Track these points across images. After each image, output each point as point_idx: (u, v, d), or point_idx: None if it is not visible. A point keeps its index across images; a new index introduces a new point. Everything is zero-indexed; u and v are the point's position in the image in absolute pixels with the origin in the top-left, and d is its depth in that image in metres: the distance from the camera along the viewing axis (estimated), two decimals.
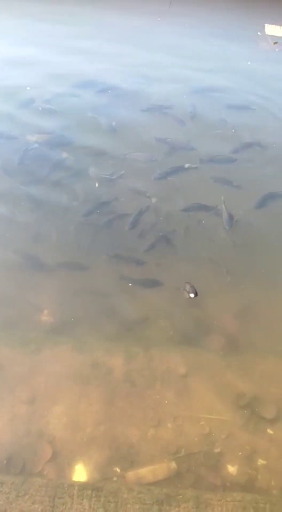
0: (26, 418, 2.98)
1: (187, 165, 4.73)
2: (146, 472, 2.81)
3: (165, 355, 3.42)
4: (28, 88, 5.84)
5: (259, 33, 6.66)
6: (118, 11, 7.55)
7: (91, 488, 2.53)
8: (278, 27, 6.31)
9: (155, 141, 5.14)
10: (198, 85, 5.98)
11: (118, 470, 2.82)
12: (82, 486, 2.54)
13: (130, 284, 3.82)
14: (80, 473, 2.78)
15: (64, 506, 2.44)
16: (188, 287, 3.64)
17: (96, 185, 4.54)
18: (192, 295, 3.59)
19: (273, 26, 6.33)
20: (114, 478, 2.76)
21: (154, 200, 4.44)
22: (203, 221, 4.35)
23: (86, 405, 3.09)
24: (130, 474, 2.79)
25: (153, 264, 3.98)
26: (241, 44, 6.73)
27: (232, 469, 2.88)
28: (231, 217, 4.28)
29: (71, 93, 5.80)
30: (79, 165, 4.79)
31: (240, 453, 2.95)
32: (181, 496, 2.56)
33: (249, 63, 6.33)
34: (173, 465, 2.86)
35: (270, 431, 3.05)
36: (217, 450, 2.96)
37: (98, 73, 6.21)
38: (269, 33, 6.38)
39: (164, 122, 5.48)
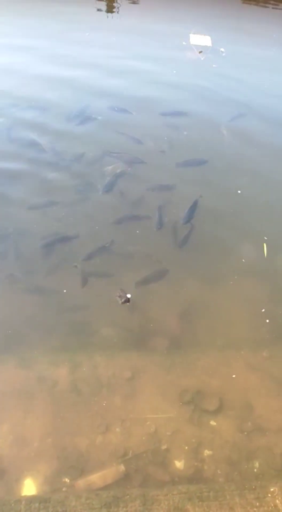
0: None
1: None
2: (95, 478, 2.86)
3: (110, 361, 3.49)
4: None
5: (184, 43, 6.94)
6: None
7: (38, 501, 2.54)
8: (202, 36, 6.62)
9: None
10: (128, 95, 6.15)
11: (67, 480, 2.85)
12: (29, 500, 2.55)
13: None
14: (29, 488, 2.78)
15: None
16: (120, 293, 3.75)
17: None
18: (123, 300, 3.69)
19: (197, 35, 6.63)
20: (64, 489, 2.79)
21: None
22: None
23: (33, 420, 3.10)
24: (80, 482, 2.83)
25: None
26: (169, 54, 6.99)
27: (179, 463, 2.99)
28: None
29: None
30: None
31: (186, 447, 3.07)
32: (128, 497, 2.63)
33: (174, 71, 6.60)
34: (121, 467, 2.93)
35: (213, 423, 3.19)
36: (163, 447, 3.06)
37: None
38: (193, 43, 6.68)
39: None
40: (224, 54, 6.35)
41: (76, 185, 4.81)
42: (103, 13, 8.26)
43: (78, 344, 3.62)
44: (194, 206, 4.57)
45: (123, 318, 3.82)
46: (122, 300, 3.70)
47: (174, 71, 6.55)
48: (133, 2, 8.69)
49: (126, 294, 3.75)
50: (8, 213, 4.47)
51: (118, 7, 8.29)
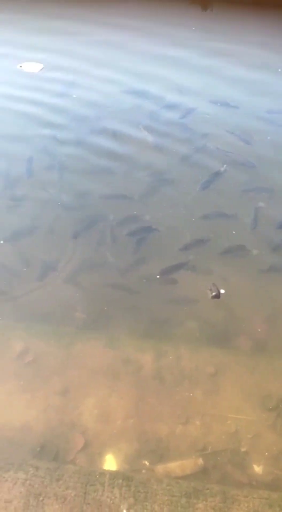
0: (59, 409, 3.10)
1: None
2: (174, 466, 2.89)
3: (194, 354, 3.49)
4: None
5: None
6: None
7: (121, 478, 2.62)
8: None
9: None
10: None
11: (147, 463, 2.91)
12: (113, 475, 2.64)
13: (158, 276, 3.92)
14: (110, 463, 2.88)
15: (95, 493, 2.54)
16: (211, 287, 3.72)
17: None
18: (214, 294, 3.66)
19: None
20: (143, 471, 2.85)
21: None
22: None
23: (117, 399, 3.20)
24: (159, 468, 2.87)
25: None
26: None
27: (257, 468, 2.93)
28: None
29: None
30: None
31: (266, 453, 2.99)
32: (208, 491, 2.62)
33: None
34: (200, 461, 2.93)
35: None
36: (243, 449, 3.01)
37: None
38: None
39: None
40: None
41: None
42: None
43: (163, 333, 3.66)
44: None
45: (209, 313, 3.80)
46: (213, 294, 3.67)
47: None
48: None
49: (218, 289, 3.72)
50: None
51: None
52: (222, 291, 3.79)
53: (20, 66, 6.19)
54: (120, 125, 5.62)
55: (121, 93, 6.17)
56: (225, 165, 4.87)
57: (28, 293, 3.80)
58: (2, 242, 4.15)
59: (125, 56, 7.05)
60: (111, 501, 2.52)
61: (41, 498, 2.49)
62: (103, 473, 2.66)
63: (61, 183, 4.80)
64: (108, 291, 3.88)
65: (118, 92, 6.21)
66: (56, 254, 4.12)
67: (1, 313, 3.62)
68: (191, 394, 3.22)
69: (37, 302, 3.75)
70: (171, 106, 5.97)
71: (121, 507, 2.51)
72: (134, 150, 5.26)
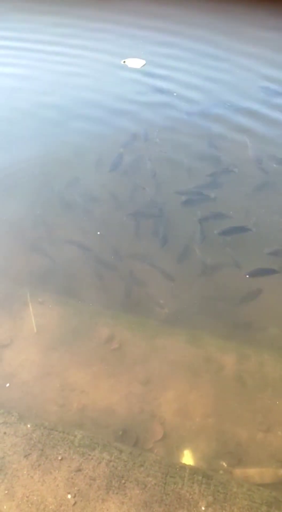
0: (140, 397, 3.17)
1: None
2: (253, 472, 2.84)
3: (278, 362, 3.39)
4: None
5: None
6: None
7: (201, 475, 2.62)
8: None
9: None
10: None
11: (225, 464, 2.88)
12: (193, 471, 2.64)
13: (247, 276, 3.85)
14: (187, 459, 2.89)
15: (175, 486, 2.56)
16: None
17: None
18: None
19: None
20: (221, 471, 2.82)
21: None
22: None
23: (196, 396, 3.20)
24: (238, 471, 2.83)
25: None
26: None
27: None
28: None
29: None
30: None
31: None
32: None
33: None
34: (281, 472, 2.84)
35: None
36: None
37: None
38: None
39: None
40: None
41: None
42: None
43: (245, 337, 3.59)
44: None
45: None
46: None
47: None
48: None
49: None
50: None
51: None
52: None
53: (124, 62, 6.37)
54: None
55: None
56: None
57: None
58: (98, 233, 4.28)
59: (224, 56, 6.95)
60: (191, 496, 2.53)
61: (123, 481, 2.56)
62: (183, 467, 2.68)
63: None
64: (194, 289, 3.89)
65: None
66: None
67: (91, 299, 3.76)
68: (277, 402, 3.13)
69: (124, 292, 3.85)
70: None
71: (200, 503, 2.51)
72: None
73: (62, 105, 5.90)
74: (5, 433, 2.72)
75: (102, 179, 4.80)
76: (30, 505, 2.46)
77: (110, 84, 6.27)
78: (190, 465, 2.76)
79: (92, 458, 2.65)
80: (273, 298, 3.87)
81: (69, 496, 2.49)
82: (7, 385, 3.17)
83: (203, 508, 2.49)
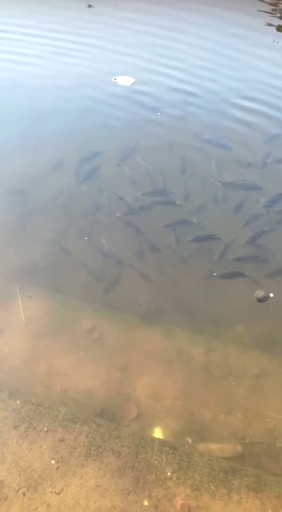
0: (118, 382, 3.55)
1: None
2: (215, 448, 3.24)
3: (241, 354, 3.82)
4: None
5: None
6: None
7: (169, 446, 3.02)
8: None
9: None
10: None
11: (190, 440, 3.28)
12: (162, 443, 3.04)
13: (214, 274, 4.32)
14: (157, 435, 3.28)
15: (145, 455, 2.95)
16: (261, 291, 4.04)
17: None
18: (261, 296, 3.96)
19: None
20: (186, 446, 3.22)
21: None
22: None
23: (168, 382, 3.60)
24: (201, 446, 3.24)
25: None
26: None
27: None
28: None
29: None
30: None
31: None
32: (244, 471, 2.95)
33: None
34: (239, 448, 3.26)
35: None
36: (279, 445, 3.30)
37: None
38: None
39: None
40: None
41: None
42: None
43: (214, 332, 4.01)
44: None
45: (258, 319, 4.11)
46: (261, 295, 3.99)
47: None
48: None
49: (268, 293, 4.04)
50: None
51: None
52: (271, 295, 4.09)
53: (114, 79, 6.81)
54: None
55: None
56: None
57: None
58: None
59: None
60: (159, 463, 2.92)
61: (100, 450, 2.94)
62: (153, 439, 3.07)
63: None
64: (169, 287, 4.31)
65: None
66: None
67: (74, 294, 4.13)
68: (238, 389, 3.55)
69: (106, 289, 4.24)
70: None
71: (166, 470, 2.90)
72: None
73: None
74: None
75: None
76: (19, 469, 2.80)
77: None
78: (159, 438, 3.15)
79: (74, 430, 3.01)
80: (240, 298, 4.31)
81: (53, 461, 2.85)
82: None
83: (169, 474, 2.88)
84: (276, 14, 9.05)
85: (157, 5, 9.17)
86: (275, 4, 9.25)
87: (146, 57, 7.54)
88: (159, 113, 6.32)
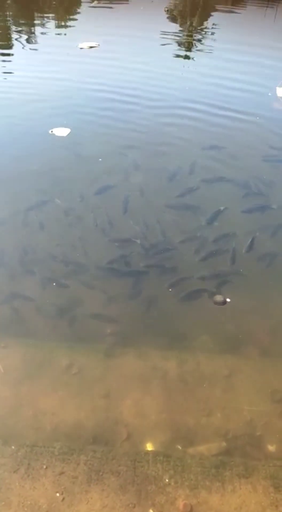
0: (104, 409, 3.75)
1: None
2: (202, 449, 3.52)
3: (210, 360, 4.18)
4: None
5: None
6: None
7: (162, 455, 3.26)
8: None
9: None
10: None
11: (180, 447, 3.54)
12: (155, 454, 3.28)
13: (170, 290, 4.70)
14: (150, 448, 3.50)
15: (142, 468, 3.17)
16: (218, 297, 4.51)
17: None
18: (218, 300, 4.42)
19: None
20: (177, 452, 3.47)
21: None
22: None
23: (150, 399, 3.85)
24: (190, 450, 3.50)
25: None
26: None
27: (271, 447, 3.56)
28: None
29: None
30: None
31: (277, 436, 3.63)
32: (233, 462, 3.26)
33: None
34: (223, 444, 3.56)
35: None
36: (258, 433, 3.65)
37: None
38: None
39: None
40: None
41: None
42: None
43: (182, 345, 4.36)
44: None
45: (219, 325, 4.52)
46: (218, 299, 4.43)
47: None
48: None
49: (225, 298, 4.50)
50: None
51: None
52: (228, 299, 4.54)
53: (51, 132, 7.22)
54: None
55: None
56: None
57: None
58: None
59: None
60: (156, 473, 3.15)
61: (100, 474, 3.12)
62: (147, 453, 3.30)
63: None
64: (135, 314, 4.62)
65: None
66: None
67: (48, 337, 4.33)
68: (213, 391, 3.88)
69: (76, 326, 4.47)
70: None
71: (164, 477, 3.14)
72: None
73: None
74: None
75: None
76: (26, 509, 2.91)
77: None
78: (152, 451, 3.38)
79: (72, 461, 3.18)
80: (202, 312, 4.71)
81: (57, 494, 2.99)
82: None
83: (167, 480, 3.12)
84: None
85: None
86: None
87: None
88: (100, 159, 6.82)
